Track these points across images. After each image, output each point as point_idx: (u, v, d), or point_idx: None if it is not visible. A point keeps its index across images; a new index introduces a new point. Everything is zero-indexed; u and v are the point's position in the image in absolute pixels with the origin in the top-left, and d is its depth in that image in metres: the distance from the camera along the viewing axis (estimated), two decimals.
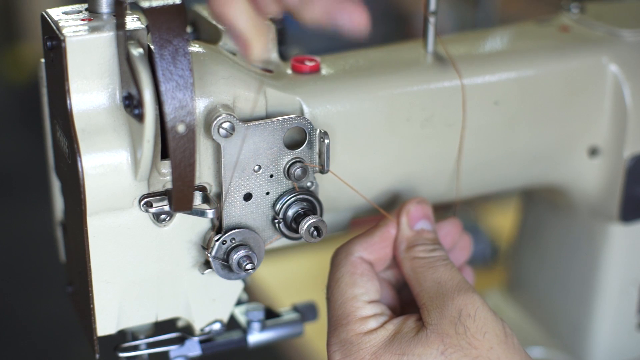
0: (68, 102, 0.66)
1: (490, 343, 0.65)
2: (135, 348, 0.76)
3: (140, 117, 0.63)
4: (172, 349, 0.76)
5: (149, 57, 0.63)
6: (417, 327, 0.67)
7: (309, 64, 0.75)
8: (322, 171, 0.71)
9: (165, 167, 0.67)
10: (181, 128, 0.61)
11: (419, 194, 0.80)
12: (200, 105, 0.67)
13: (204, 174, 0.69)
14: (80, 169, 0.65)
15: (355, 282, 0.70)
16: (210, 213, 0.68)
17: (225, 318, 0.76)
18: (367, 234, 0.73)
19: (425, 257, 0.71)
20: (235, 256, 0.70)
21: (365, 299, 0.69)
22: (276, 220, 0.71)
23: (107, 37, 0.66)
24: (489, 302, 1.02)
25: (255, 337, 0.78)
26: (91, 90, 0.66)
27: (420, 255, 0.71)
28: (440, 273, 0.69)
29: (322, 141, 0.70)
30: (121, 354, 0.76)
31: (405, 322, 0.68)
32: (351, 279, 0.70)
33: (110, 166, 0.66)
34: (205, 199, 0.69)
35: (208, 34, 0.77)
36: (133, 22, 0.65)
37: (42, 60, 0.72)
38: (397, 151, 0.77)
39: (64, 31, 0.65)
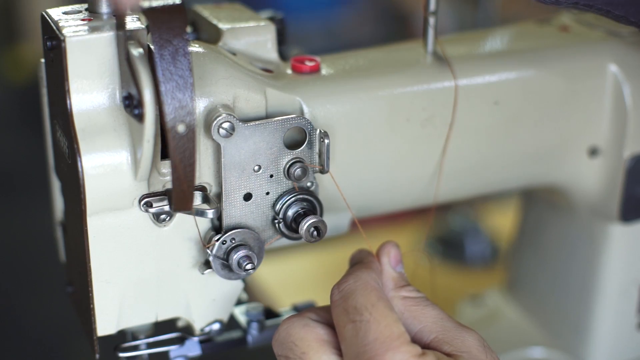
0: (68, 102, 0.66)
1: None
2: (135, 348, 0.76)
3: (140, 117, 0.63)
4: (172, 349, 0.76)
5: (149, 57, 0.63)
6: (449, 357, 0.66)
7: (309, 64, 0.75)
8: (322, 171, 0.71)
9: (165, 167, 0.67)
10: (181, 128, 0.61)
11: (419, 193, 0.80)
12: (200, 105, 0.67)
13: (204, 174, 0.69)
14: (80, 169, 0.65)
15: (391, 306, 0.68)
16: (210, 213, 0.68)
17: (225, 318, 0.76)
18: (370, 264, 0.72)
19: (416, 297, 0.70)
20: (235, 256, 0.70)
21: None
22: (276, 220, 0.71)
23: (107, 37, 0.66)
24: (489, 302, 1.03)
25: (255, 337, 0.78)
26: (91, 90, 0.66)
27: (410, 295, 0.71)
28: (437, 311, 0.69)
29: (322, 141, 0.70)
30: (121, 354, 0.76)
31: (435, 352, 0.66)
32: (388, 303, 0.68)
33: (110, 166, 0.66)
34: (205, 199, 0.69)
35: (208, 34, 0.77)
36: (133, 22, 0.65)
37: (42, 60, 0.72)
38: (397, 151, 0.77)
39: (64, 31, 0.65)
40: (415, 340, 0.68)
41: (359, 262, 0.72)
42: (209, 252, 0.70)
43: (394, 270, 0.72)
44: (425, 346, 0.67)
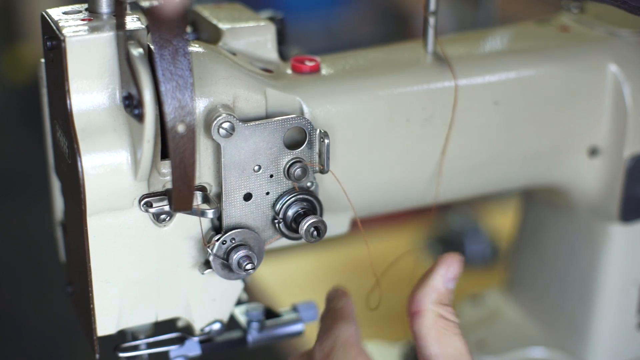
0: (68, 102, 0.66)
1: None
2: (135, 348, 0.76)
3: (140, 117, 0.63)
4: (172, 349, 0.76)
5: (149, 57, 0.63)
6: None
7: (309, 64, 0.75)
8: (322, 171, 0.71)
9: (165, 167, 0.67)
10: (181, 128, 0.61)
11: (418, 193, 0.80)
12: (200, 105, 0.67)
13: (204, 174, 0.69)
14: (80, 169, 0.65)
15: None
16: (210, 213, 0.68)
17: (225, 318, 0.76)
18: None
19: (451, 321, 0.70)
20: (235, 256, 0.70)
21: None
22: (276, 220, 0.71)
23: (107, 37, 0.66)
24: (489, 302, 1.03)
25: (255, 337, 0.78)
26: (91, 90, 0.66)
27: (447, 317, 0.70)
28: (461, 342, 0.69)
29: (322, 141, 0.70)
30: (121, 354, 0.76)
31: None
32: (367, 357, 0.70)
33: (110, 166, 0.66)
34: (205, 199, 0.69)
35: (208, 34, 0.77)
36: (133, 22, 0.65)
37: (42, 60, 0.72)
38: (397, 151, 0.77)
39: (64, 31, 0.65)
40: None
41: (334, 308, 0.73)
42: (210, 251, 0.70)
43: (444, 284, 0.71)
44: None
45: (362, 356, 0.69)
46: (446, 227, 1.31)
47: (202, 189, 0.70)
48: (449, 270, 0.71)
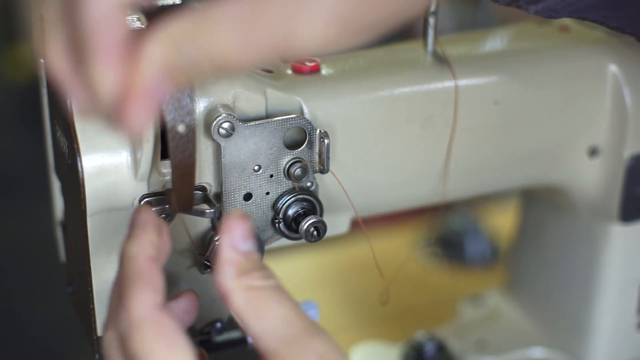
0: (68, 102, 0.66)
1: None
2: None
3: None
4: None
5: None
6: None
7: (309, 64, 0.75)
8: (322, 171, 0.71)
9: (165, 167, 0.67)
10: (181, 128, 0.61)
11: (418, 193, 0.80)
12: (200, 105, 0.67)
13: (204, 174, 0.69)
14: (80, 169, 0.65)
15: (180, 343, 0.57)
16: (210, 213, 0.68)
17: (225, 318, 0.76)
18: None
19: (265, 286, 0.58)
20: None
21: None
22: (276, 220, 0.71)
23: None
24: (489, 302, 1.03)
25: None
26: None
27: (257, 284, 0.57)
28: (286, 308, 0.57)
29: (322, 141, 0.70)
30: None
31: None
32: (173, 340, 0.57)
33: (110, 166, 0.66)
34: (205, 199, 0.69)
35: None
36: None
37: (42, 60, 0.72)
38: (397, 151, 0.77)
39: None
40: (256, 347, 0.58)
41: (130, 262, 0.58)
42: (205, 261, 0.70)
43: (236, 252, 0.58)
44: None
45: (164, 340, 0.55)
46: (446, 227, 1.31)
47: (202, 189, 0.70)
48: (233, 234, 0.59)
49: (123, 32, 0.51)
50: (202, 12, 0.49)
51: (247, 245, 0.59)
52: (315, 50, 0.48)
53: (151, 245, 0.59)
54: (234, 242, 0.58)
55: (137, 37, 0.52)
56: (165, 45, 0.50)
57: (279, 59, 0.58)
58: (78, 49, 0.50)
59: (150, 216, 0.61)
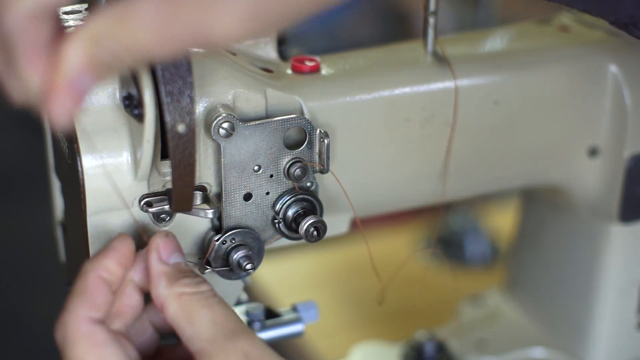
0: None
1: None
2: None
3: (140, 117, 0.63)
4: None
5: None
6: None
7: (309, 64, 0.75)
8: (322, 171, 0.71)
9: (165, 167, 0.67)
10: (181, 128, 0.61)
11: (418, 193, 0.80)
12: (200, 105, 0.67)
13: (204, 174, 0.69)
14: (80, 169, 0.65)
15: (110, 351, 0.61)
16: (210, 213, 0.68)
17: None
18: (82, 287, 0.62)
19: (195, 292, 0.62)
20: (235, 256, 0.70)
21: None
22: (276, 220, 0.71)
23: None
24: (489, 302, 1.03)
25: None
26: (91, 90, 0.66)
27: (188, 291, 0.62)
28: (215, 311, 0.61)
29: (322, 141, 0.70)
30: None
31: None
32: (103, 349, 0.60)
33: (110, 166, 0.66)
34: (205, 199, 0.69)
35: None
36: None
37: None
38: (397, 151, 0.77)
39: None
40: (187, 350, 0.61)
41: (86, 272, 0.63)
42: (206, 265, 0.70)
43: (164, 265, 0.63)
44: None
45: (96, 348, 0.60)
46: (446, 227, 1.31)
47: (202, 189, 0.70)
48: (160, 250, 0.64)
49: (46, 33, 0.53)
50: (122, 8, 0.51)
51: (175, 258, 0.64)
52: (231, 42, 0.50)
53: (105, 269, 0.63)
54: (162, 256, 0.64)
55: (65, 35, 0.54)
56: (85, 42, 0.52)
57: (197, 49, 0.61)
58: (6, 50, 0.54)
59: (121, 245, 0.64)
